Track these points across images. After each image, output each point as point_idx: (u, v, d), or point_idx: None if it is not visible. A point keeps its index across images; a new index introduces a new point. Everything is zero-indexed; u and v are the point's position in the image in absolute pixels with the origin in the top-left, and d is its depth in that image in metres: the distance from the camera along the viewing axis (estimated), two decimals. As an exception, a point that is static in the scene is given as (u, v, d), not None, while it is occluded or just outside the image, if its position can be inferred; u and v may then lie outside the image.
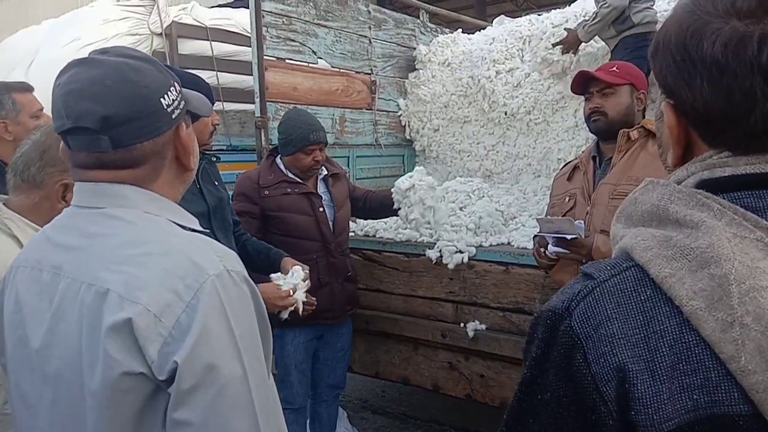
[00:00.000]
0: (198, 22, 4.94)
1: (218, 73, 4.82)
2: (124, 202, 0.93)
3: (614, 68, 2.17)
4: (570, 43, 3.76)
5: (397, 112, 4.74)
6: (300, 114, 2.86)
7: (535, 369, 0.69)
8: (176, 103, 0.95)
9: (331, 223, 2.82)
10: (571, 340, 0.66)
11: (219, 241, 2.25)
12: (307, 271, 2.32)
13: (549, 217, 2.21)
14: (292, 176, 2.78)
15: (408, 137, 4.81)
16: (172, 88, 0.95)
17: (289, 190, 2.75)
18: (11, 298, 0.98)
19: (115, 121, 0.89)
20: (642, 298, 0.64)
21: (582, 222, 2.08)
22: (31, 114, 2.35)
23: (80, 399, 0.85)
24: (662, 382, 0.60)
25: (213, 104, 2.43)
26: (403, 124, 4.78)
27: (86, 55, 0.94)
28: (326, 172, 2.91)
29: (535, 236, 2.26)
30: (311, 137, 2.69)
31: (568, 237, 1.98)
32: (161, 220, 0.94)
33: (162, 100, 0.93)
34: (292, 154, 2.74)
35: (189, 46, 4.82)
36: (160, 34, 4.65)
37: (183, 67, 4.09)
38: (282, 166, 2.81)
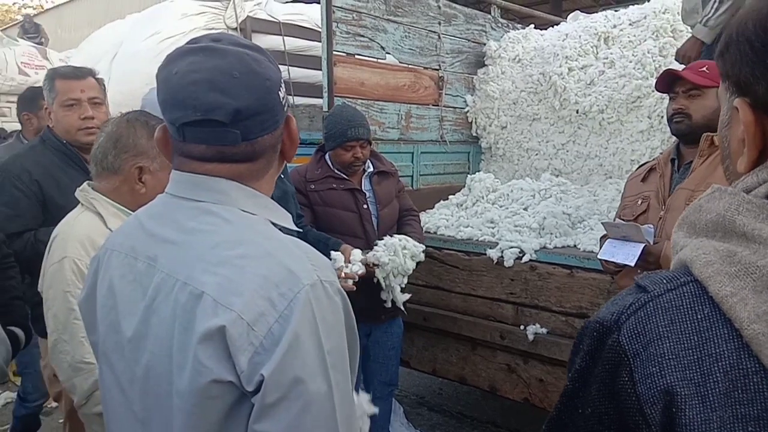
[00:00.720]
0: (272, 17, 5.07)
1: (289, 67, 4.92)
2: (222, 198, 0.90)
3: (704, 68, 2.04)
4: (689, 51, 3.08)
5: (464, 108, 4.69)
6: (343, 109, 2.86)
7: (578, 381, 0.66)
8: (285, 95, 0.94)
9: (375, 220, 2.81)
10: (618, 356, 0.62)
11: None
12: (363, 258, 2.43)
13: (617, 221, 2.12)
14: (338, 172, 2.80)
15: (474, 134, 4.74)
16: (282, 80, 0.94)
17: (334, 185, 2.77)
18: (105, 281, 0.98)
19: (246, 114, 0.87)
20: (698, 317, 0.60)
21: (651, 227, 1.98)
22: (62, 102, 2.29)
23: (168, 395, 0.85)
24: (713, 410, 0.56)
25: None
26: (469, 120, 4.72)
27: (199, 42, 0.91)
28: (372, 169, 2.90)
29: (601, 239, 2.18)
30: (349, 133, 2.69)
31: (631, 263, 1.90)
32: (258, 220, 0.92)
33: (279, 92, 0.92)
34: (333, 149, 2.76)
35: (262, 41, 4.94)
36: (236, 28, 4.79)
37: (255, 61, 4.20)
38: (329, 162, 2.83)
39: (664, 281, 0.64)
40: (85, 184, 1.67)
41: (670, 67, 3.65)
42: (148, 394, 0.89)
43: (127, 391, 0.93)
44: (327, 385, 0.81)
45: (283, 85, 0.93)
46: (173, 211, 0.93)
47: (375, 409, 1.70)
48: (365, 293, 2.54)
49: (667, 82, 2.11)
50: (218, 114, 0.85)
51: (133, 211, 1.08)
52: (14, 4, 30.92)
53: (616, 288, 2.40)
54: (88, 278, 1.04)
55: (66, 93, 2.30)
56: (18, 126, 4.02)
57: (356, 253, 2.41)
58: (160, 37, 4.38)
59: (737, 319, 0.57)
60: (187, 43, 0.92)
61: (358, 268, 2.37)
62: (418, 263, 2.68)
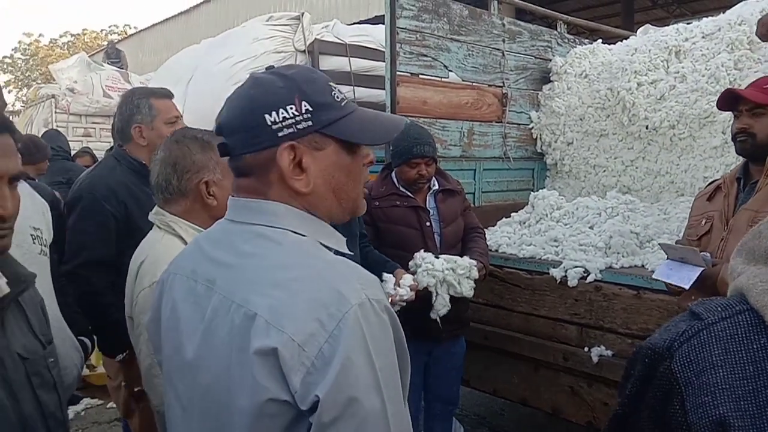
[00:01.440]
0: (338, 39, 5.20)
1: (355, 87, 5.03)
2: (274, 220, 0.94)
3: (767, 85, 1.98)
4: None
5: (528, 124, 4.64)
6: (411, 127, 2.84)
7: (628, 407, 0.66)
8: (289, 122, 0.92)
9: (438, 238, 2.79)
10: (670, 384, 0.62)
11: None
12: (413, 284, 2.40)
13: (674, 244, 2.06)
14: (403, 189, 2.81)
15: (539, 150, 4.69)
16: (289, 106, 0.92)
17: (398, 202, 2.79)
18: (168, 303, 1.03)
19: (226, 130, 0.96)
20: (754, 347, 0.59)
21: (708, 254, 1.92)
22: (166, 120, 2.35)
23: (228, 414, 0.88)
24: None
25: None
26: (534, 137, 4.67)
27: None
28: (438, 187, 2.89)
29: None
30: (415, 150, 2.70)
31: (686, 285, 1.85)
32: (308, 242, 0.95)
33: (267, 116, 0.92)
34: (399, 166, 2.78)
35: (330, 62, 5.09)
36: (304, 51, 4.95)
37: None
38: (395, 179, 2.85)
39: (719, 309, 0.63)
40: (157, 207, 1.66)
41: (747, 80, 3.52)
42: (208, 413, 0.93)
43: (187, 410, 0.98)
44: (381, 401, 0.83)
45: (283, 111, 0.92)
46: (229, 235, 0.98)
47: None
48: (425, 312, 2.55)
49: (729, 100, 2.05)
50: (217, 127, 0.98)
51: (208, 226, 1.13)
52: (102, 30, 33.02)
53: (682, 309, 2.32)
54: (153, 300, 1.10)
55: (169, 111, 2.38)
56: (103, 145, 4.28)
57: (407, 278, 2.42)
58: (233, 60, 4.58)
59: None
60: None
61: (405, 293, 2.35)
62: (476, 280, 2.62)
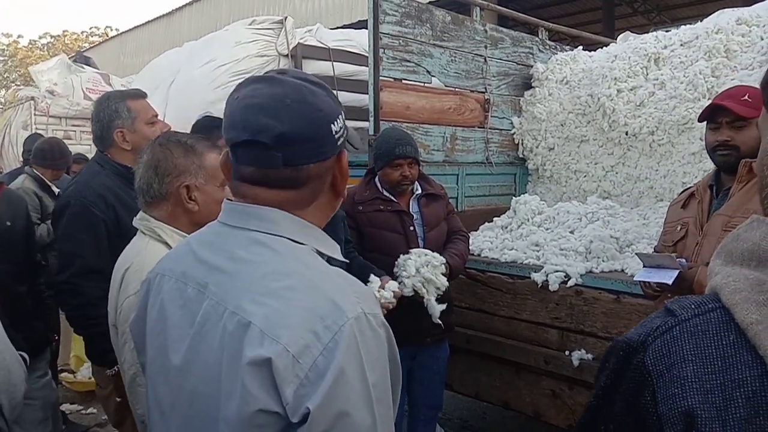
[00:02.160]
0: (321, 43, 5.22)
1: (338, 92, 5.04)
2: (272, 227, 0.93)
3: (746, 96, 1.97)
4: None
5: (510, 130, 4.68)
6: (392, 130, 2.92)
7: (602, 399, 0.68)
8: (342, 131, 0.96)
9: (421, 242, 2.81)
10: (642, 376, 0.64)
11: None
12: (397, 291, 2.41)
13: (649, 253, 2.10)
14: (387, 194, 2.83)
15: (521, 155, 4.73)
16: (339, 116, 0.96)
17: (381, 207, 2.81)
18: (155, 305, 1.00)
19: (290, 139, 0.89)
20: (723, 342, 0.61)
21: (684, 260, 1.96)
22: (146, 120, 2.32)
23: (213, 422, 0.87)
24: None
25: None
26: (516, 142, 4.71)
27: (266, 74, 0.97)
28: (420, 191, 2.91)
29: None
30: (397, 151, 2.72)
31: (668, 281, 1.89)
32: (306, 250, 0.94)
33: (332, 125, 0.94)
34: (381, 168, 2.80)
35: (313, 67, 5.10)
36: (287, 55, 4.95)
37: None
38: (378, 184, 2.87)
39: (692, 306, 0.66)
40: (141, 213, 1.65)
41: (723, 87, 3.59)
42: (192, 420, 0.91)
43: (166, 415, 0.97)
44: (372, 418, 0.82)
45: (339, 120, 0.95)
46: (225, 239, 0.96)
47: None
48: (411, 316, 2.54)
49: (708, 112, 2.06)
50: (263, 136, 0.89)
51: (191, 232, 1.11)
52: (83, 32, 32.67)
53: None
54: (139, 300, 1.09)
55: (147, 111, 2.34)
56: (83, 148, 4.24)
57: (392, 284, 2.42)
58: (215, 64, 4.57)
59: (762, 346, 0.58)
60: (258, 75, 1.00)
61: (388, 296, 2.36)
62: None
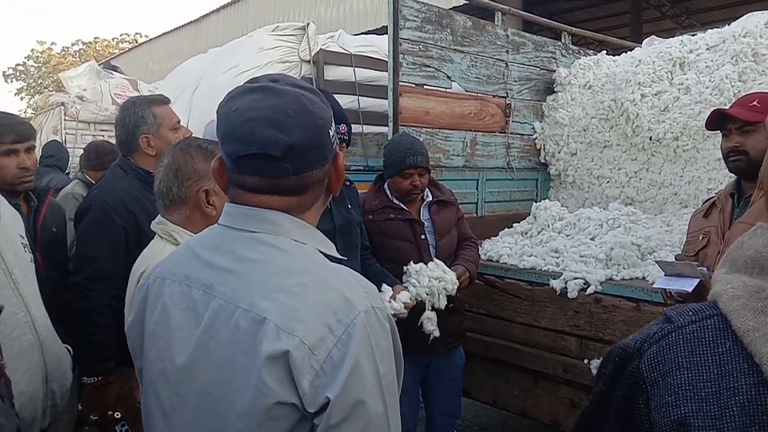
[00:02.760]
0: (343, 49, 5.24)
1: (359, 97, 5.07)
2: (275, 229, 0.96)
3: (755, 102, 1.98)
4: None
5: (532, 135, 4.65)
6: (402, 138, 2.86)
7: (597, 404, 0.68)
8: (335, 133, 1.02)
9: (433, 251, 2.76)
10: (636, 383, 0.63)
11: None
12: (409, 302, 2.38)
13: (669, 261, 2.07)
14: (397, 202, 2.77)
15: (543, 161, 4.69)
16: (333, 119, 1.01)
17: (392, 215, 2.75)
18: (156, 309, 1.01)
19: (298, 150, 0.93)
20: (720, 350, 0.60)
21: (705, 269, 1.93)
22: (171, 127, 2.36)
23: (225, 418, 0.89)
24: None
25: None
26: (538, 147, 4.68)
27: (258, 82, 0.98)
28: (431, 198, 2.85)
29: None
30: (408, 161, 2.67)
31: (688, 289, 1.86)
32: (309, 249, 0.98)
33: (330, 131, 0.98)
34: (391, 177, 2.75)
35: (334, 72, 5.13)
36: (309, 61, 4.99)
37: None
38: (388, 191, 2.82)
39: (690, 313, 0.65)
40: (159, 216, 1.67)
41: (750, 92, 3.52)
42: (200, 419, 0.93)
43: (169, 417, 0.98)
44: (383, 406, 0.87)
45: (333, 124, 1.00)
46: (229, 241, 0.98)
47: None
48: (420, 326, 2.50)
49: (718, 120, 2.06)
50: (273, 149, 0.92)
51: None
52: (113, 39, 33.38)
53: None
54: (135, 305, 1.10)
55: (171, 117, 2.38)
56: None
57: (404, 294, 2.39)
58: (238, 70, 4.62)
59: (757, 354, 0.57)
60: (247, 82, 1.00)
61: (399, 307, 2.33)
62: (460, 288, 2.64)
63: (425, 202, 2.84)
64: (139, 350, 1.08)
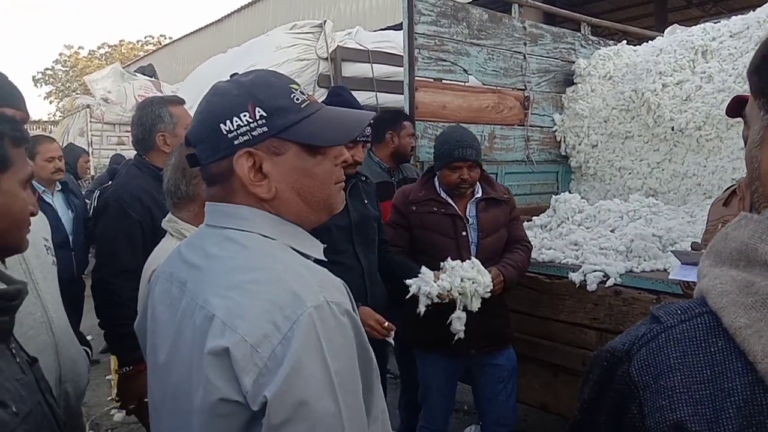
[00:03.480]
0: (361, 45, 5.25)
1: (377, 93, 5.07)
2: (244, 224, 0.95)
3: None
4: None
5: (551, 127, 4.61)
6: (454, 129, 2.73)
7: (585, 413, 0.65)
8: (244, 129, 0.93)
9: (474, 249, 2.61)
10: (628, 388, 0.61)
11: (357, 255, 2.39)
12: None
13: (685, 250, 2.02)
14: (444, 196, 2.66)
15: (563, 153, 4.65)
16: (243, 114, 0.93)
17: (435, 209, 2.65)
18: (151, 306, 1.05)
19: (192, 140, 0.98)
20: (712, 349, 0.58)
21: None
22: (186, 126, 2.33)
23: (188, 415, 0.90)
24: None
25: (354, 139, 2.45)
26: (558, 139, 4.63)
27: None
28: (480, 195, 2.69)
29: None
30: (456, 153, 2.55)
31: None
32: (276, 245, 0.95)
33: (222, 125, 0.94)
34: (440, 169, 2.64)
35: (352, 69, 5.13)
36: (326, 58, 5.00)
37: (343, 88, 4.36)
38: (437, 184, 2.70)
39: (678, 312, 0.63)
40: (170, 215, 1.69)
41: None
42: (176, 413, 0.94)
43: (158, 412, 1.00)
44: (335, 405, 0.83)
45: (238, 119, 0.93)
46: (203, 238, 1.00)
47: None
48: (445, 323, 2.41)
49: (738, 106, 1.99)
50: (185, 139, 1.00)
51: None
52: (138, 41, 33.88)
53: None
54: (141, 305, 1.16)
55: (186, 117, 2.39)
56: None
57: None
58: (256, 69, 4.65)
59: (751, 352, 0.55)
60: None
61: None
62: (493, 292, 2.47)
63: (474, 199, 2.69)
64: (144, 347, 1.11)
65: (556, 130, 4.64)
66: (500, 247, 2.71)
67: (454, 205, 2.66)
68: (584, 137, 4.55)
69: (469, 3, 4.22)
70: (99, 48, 33.90)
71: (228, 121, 0.94)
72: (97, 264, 2.29)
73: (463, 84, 3.89)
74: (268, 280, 0.88)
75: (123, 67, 9.81)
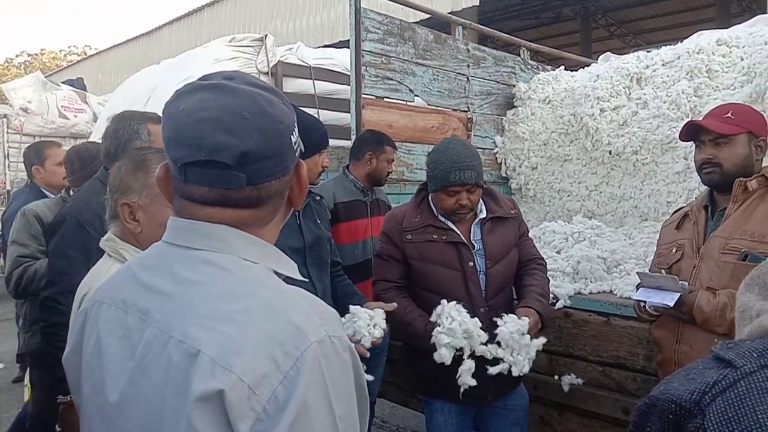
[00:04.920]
0: (302, 61, 5.16)
1: (319, 110, 4.97)
2: (220, 246, 0.83)
3: (729, 114, 1.95)
4: None
5: (493, 149, 4.65)
6: (450, 145, 2.31)
7: None
8: (299, 140, 0.89)
9: (482, 279, 2.26)
10: None
11: (311, 278, 2.24)
12: (380, 312, 2.07)
13: (651, 273, 2.02)
14: (442, 219, 2.30)
15: (504, 175, 4.69)
16: (296, 124, 0.88)
17: (435, 236, 2.28)
18: (92, 337, 0.89)
19: (253, 157, 0.81)
20: None
21: (686, 283, 1.90)
22: (160, 145, 2.31)
23: None
24: None
25: (327, 145, 2.33)
26: (499, 161, 4.69)
27: (210, 79, 0.85)
28: (485, 215, 2.35)
29: (637, 287, 2.08)
30: (452, 177, 2.19)
31: (670, 303, 1.82)
32: (260, 269, 0.84)
33: (292, 136, 0.86)
34: (435, 192, 2.30)
35: (293, 85, 5.02)
36: (267, 73, 4.87)
37: (285, 104, 4.25)
38: (433, 206, 2.35)
39: (754, 355, 0.55)
40: (109, 233, 1.55)
41: (707, 106, 3.59)
42: None
43: None
44: None
45: (296, 130, 0.88)
46: (169, 260, 0.86)
47: None
48: (454, 372, 2.10)
49: (691, 131, 2.03)
50: (224, 155, 0.79)
51: None
52: (60, 51, 32.42)
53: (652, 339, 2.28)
54: (73, 334, 0.97)
55: (160, 136, 2.32)
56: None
57: (378, 313, 2.07)
58: (194, 80, 4.47)
59: None
60: (199, 79, 0.87)
61: (379, 334, 2.03)
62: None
63: (477, 220, 2.34)
64: (76, 385, 0.94)
65: (497, 152, 4.69)
66: (511, 272, 2.36)
67: (456, 230, 2.29)
68: (524, 159, 4.62)
69: (415, 23, 4.20)
70: (17, 56, 32.23)
71: (294, 132, 0.87)
72: (48, 281, 2.13)
73: (408, 103, 3.86)
74: (262, 310, 0.77)
75: (45, 77, 9.26)
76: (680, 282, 1.86)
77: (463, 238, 2.28)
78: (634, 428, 0.60)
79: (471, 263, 2.25)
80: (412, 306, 2.28)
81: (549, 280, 2.42)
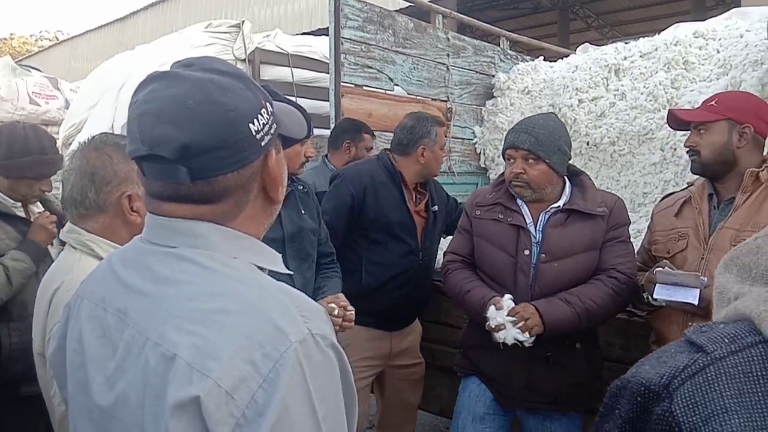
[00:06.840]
0: (280, 48, 5.08)
1: (298, 98, 4.91)
2: (198, 242, 0.80)
3: (713, 102, 1.95)
4: None
5: (472, 139, 4.64)
6: (532, 116, 2.20)
7: None
8: (267, 128, 0.81)
9: (532, 273, 2.05)
10: (670, 429, 0.52)
11: (288, 269, 2.19)
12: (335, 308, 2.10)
13: (671, 270, 1.90)
14: (519, 200, 2.12)
15: (483, 165, 4.69)
16: (263, 111, 0.81)
17: (500, 216, 2.10)
18: (75, 333, 0.87)
19: (196, 150, 0.75)
20: None
21: (705, 278, 1.84)
22: (440, 146, 2.64)
23: None
24: None
25: (311, 134, 2.34)
26: (478, 151, 4.68)
27: (170, 67, 0.82)
28: (561, 203, 2.09)
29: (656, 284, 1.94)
30: (508, 138, 2.07)
31: (694, 302, 1.78)
32: (240, 265, 0.81)
33: (251, 125, 0.79)
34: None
35: (271, 72, 4.95)
36: (244, 59, 4.80)
37: (263, 91, 4.19)
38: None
39: (726, 340, 0.54)
40: (71, 225, 1.46)
41: (683, 98, 3.62)
42: None
43: None
44: None
45: (262, 116, 0.81)
46: (146, 257, 0.83)
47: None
48: (504, 366, 2.03)
49: (674, 120, 2.04)
50: (163, 149, 0.75)
51: None
52: (31, 36, 31.63)
53: (638, 328, 2.29)
54: (59, 328, 0.94)
55: (443, 139, 2.66)
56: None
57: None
58: (168, 67, 4.39)
59: None
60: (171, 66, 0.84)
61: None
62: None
63: (550, 207, 2.09)
64: (63, 381, 0.91)
65: (476, 143, 4.68)
66: (577, 276, 2.04)
67: (523, 213, 2.09)
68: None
69: (395, 11, 4.16)
70: (-15, 41, 31.39)
71: (256, 119, 0.80)
72: None
73: (388, 92, 3.83)
74: (242, 310, 0.74)
75: (15, 62, 9.01)
76: (702, 278, 1.81)
77: (525, 222, 2.08)
78: (604, 410, 0.59)
79: (527, 251, 2.05)
80: (472, 277, 2.18)
81: (614, 296, 2.01)
